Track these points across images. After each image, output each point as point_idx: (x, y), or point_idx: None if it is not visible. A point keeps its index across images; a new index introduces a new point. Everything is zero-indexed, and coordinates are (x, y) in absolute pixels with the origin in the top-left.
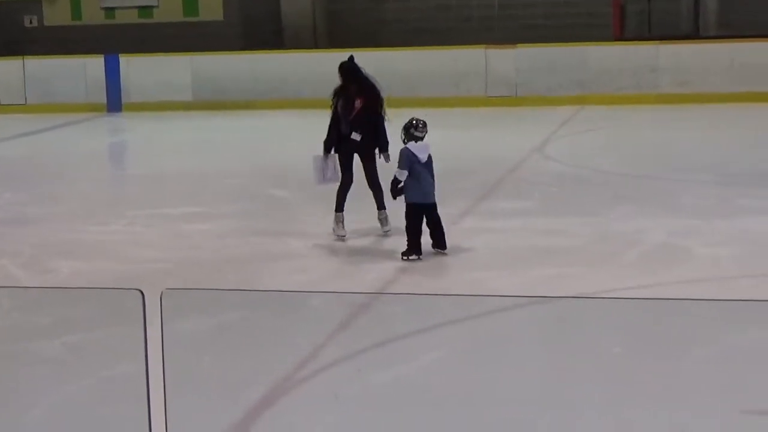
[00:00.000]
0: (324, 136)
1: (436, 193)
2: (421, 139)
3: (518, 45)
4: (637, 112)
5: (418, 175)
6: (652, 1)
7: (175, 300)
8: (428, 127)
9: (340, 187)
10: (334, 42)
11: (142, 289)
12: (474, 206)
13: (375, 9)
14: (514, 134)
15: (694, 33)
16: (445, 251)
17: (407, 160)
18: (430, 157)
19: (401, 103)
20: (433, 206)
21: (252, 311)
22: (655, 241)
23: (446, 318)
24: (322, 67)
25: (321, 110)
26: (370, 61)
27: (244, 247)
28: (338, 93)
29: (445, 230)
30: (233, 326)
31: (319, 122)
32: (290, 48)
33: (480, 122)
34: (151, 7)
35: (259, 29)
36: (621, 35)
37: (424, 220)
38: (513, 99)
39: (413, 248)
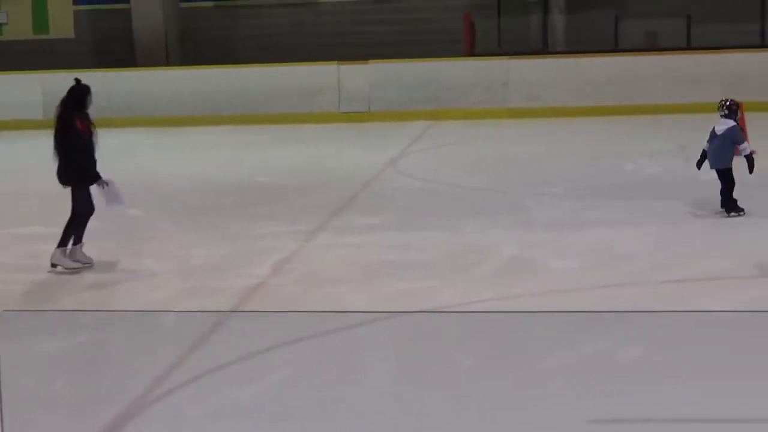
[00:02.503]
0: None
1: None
2: (724, 117)
3: (371, 61)
4: (489, 127)
5: (711, 144)
6: (501, 17)
7: (22, 322)
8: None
9: (85, 216)
10: (186, 59)
11: None
12: (328, 221)
13: (228, 26)
14: (368, 149)
15: (543, 48)
16: (733, 214)
17: (710, 135)
18: (726, 131)
19: (255, 119)
20: (721, 171)
21: (104, 332)
22: (507, 254)
23: (300, 334)
24: (175, 85)
25: (175, 128)
26: (224, 77)
27: (97, 266)
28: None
29: (733, 197)
30: (84, 347)
31: (173, 140)
32: (143, 66)
33: (334, 138)
34: (0, 24)
35: (110, 47)
36: (472, 51)
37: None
38: (366, 114)
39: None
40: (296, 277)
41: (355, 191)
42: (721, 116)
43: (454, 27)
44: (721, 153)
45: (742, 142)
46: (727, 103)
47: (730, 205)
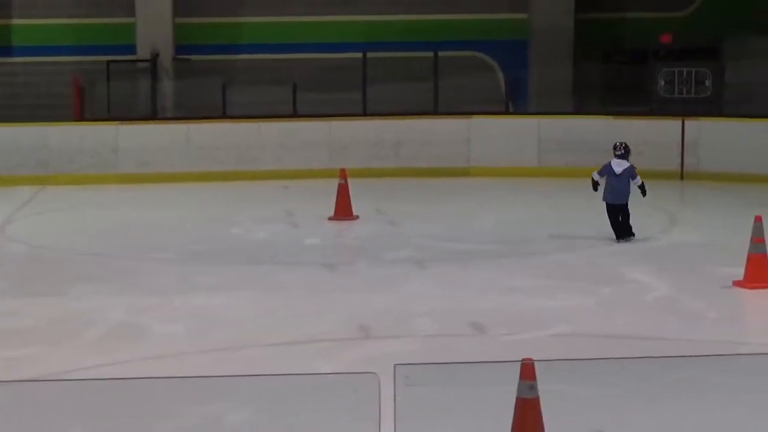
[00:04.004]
0: None
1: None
2: (619, 157)
3: None
4: (99, 192)
5: (610, 182)
6: (111, 82)
7: None
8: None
9: None
10: None
11: None
12: None
13: None
14: None
15: (152, 114)
16: (629, 239)
17: (603, 169)
18: (624, 170)
19: None
20: (622, 206)
21: None
22: (114, 320)
23: None
24: None
25: None
26: None
27: None
28: None
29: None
30: None
31: None
32: None
33: None
34: None
35: None
36: (81, 116)
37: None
38: None
39: (618, 234)
40: None
41: None
42: (617, 155)
43: (62, 92)
44: (623, 189)
45: (636, 177)
46: (623, 145)
47: (626, 231)
